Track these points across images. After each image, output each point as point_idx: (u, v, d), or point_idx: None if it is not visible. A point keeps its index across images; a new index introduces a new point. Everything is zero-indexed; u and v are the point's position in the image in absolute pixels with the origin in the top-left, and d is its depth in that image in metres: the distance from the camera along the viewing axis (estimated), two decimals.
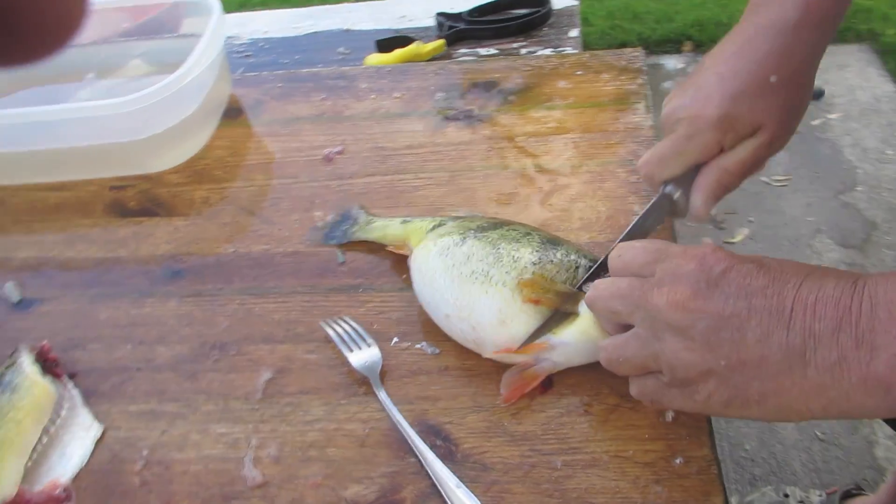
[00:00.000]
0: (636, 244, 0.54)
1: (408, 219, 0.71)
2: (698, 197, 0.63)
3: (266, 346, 0.66)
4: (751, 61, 0.61)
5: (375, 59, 1.10)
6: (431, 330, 0.64)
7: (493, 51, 1.14)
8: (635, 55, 0.92)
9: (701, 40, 2.70)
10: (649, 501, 0.52)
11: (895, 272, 0.43)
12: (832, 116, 2.33)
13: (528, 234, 0.63)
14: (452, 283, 0.61)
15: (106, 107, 0.80)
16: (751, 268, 0.47)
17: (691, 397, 0.48)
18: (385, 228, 0.72)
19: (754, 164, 0.63)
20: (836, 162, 2.16)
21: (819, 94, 2.37)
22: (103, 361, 0.68)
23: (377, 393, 0.60)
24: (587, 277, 0.60)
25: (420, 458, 0.56)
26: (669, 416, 0.57)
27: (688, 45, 2.71)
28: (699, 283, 0.47)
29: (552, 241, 0.62)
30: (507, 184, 0.77)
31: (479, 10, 1.23)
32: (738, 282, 0.46)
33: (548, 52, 1.10)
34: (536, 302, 0.58)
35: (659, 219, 0.65)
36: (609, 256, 0.56)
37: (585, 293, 0.57)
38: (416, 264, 0.65)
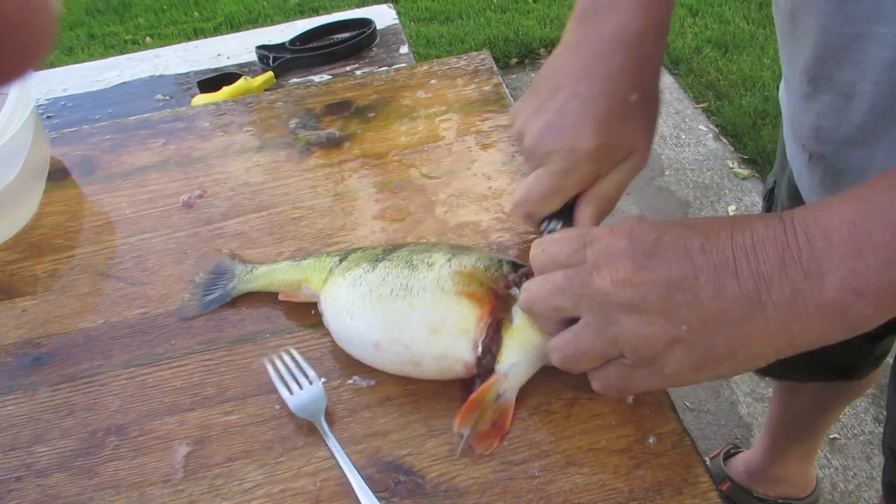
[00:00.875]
0: (555, 236, 0.52)
1: (299, 259, 0.65)
2: None
3: (173, 418, 0.57)
4: (606, 80, 0.58)
5: (204, 99, 1.03)
6: (359, 362, 0.59)
7: (326, 77, 1.10)
8: (482, 58, 0.92)
9: (495, 57, 2.81)
10: (636, 487, 0.50)
11: (814, 203, 0.44)
12: None
13: (437, 245, 0.60)
14: (374, 309, 0.56)
15: None
16: (680, 230, 0.46)
17: (661, 372, 0.46)
18: (272, 275, 0.65)
19: (626, 185, 0.62)
20: None
21: None
22: None
23: (325, 438, 0.54)
24: (514, 282, 0.56)
25: (386, 500, 0.50)
26: (630, 398, 0.55)
27: None
28: (637, 256, 0.45)
29: (461, 248, 0.60)
30: (395, 199, 0.73)
31: (299, 39, 1.19)
32: (674, 245, 0.45)
33: (383, 69, 1.08)
34: (470, 296, 0.55)
35: None
36: (531, 254, 0.53)
37: (515, 298, 0.54)
38: (328, 303, 0.59)
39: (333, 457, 0.53)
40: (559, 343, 0.50)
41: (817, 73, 0.61)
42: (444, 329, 0.54)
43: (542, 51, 2.86)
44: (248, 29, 3.23)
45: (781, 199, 0.94)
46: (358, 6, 3.24)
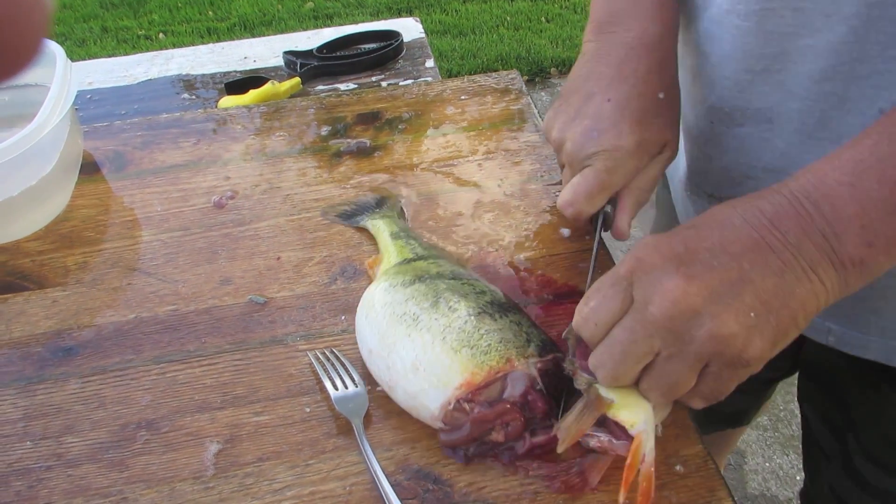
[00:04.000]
0: (591, 303, 0.50)
1: (397, 237, 0.68)
2: (624, 220, 0.64)
3: (204, 416, 0.58)
4: (636, 82, 0.62)
5: (231, 101, 1.04)
6: None
7: (352, 85, 1.11)
8: (512, 77, 0.94)
9: None
10: None
11: (805, 171, 0.48)
12: None
13: (483, 292, 0.59)
14: (383, 320, 0.58)
15: None
16: (696, 232, 0.48)
17: (747, 364, 0.47)
18: (379, 232, 0.70)
19: (660, 176, 0.65)
20: None
21: None
22: None
23: (359, 440, 0.55)
24: (573, 372, 0.53)
25: None
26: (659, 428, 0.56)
27: None
28: (679, 269, 0.46)
29: (503, 306, 0.58)
30: (424, 211, 0.75)
31: (326, 47, 1.20)
32: (703, 245, 0.47)
33: (408, 83, 1.09)
34: (473, 364, 0.53)
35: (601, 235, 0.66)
36: (585, 334, 0.51)
37: (585, 387, 0.52)
38: (365, 294, 0.62)
39: (363, 462, 0.54)
40: (653, 385, 0.49)
41: (733, 104, 0.63)
42: (424, 372, 0.54)
43: (552, 70, 2.89)
44: (261, 30, 3.24)
45: None
46: (373, 16, 3.26)
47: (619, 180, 0.62)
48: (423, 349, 0.55)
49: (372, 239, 0.71)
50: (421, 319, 0.56)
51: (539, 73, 2.88)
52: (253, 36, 3.31)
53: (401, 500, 0.51)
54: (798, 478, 1.62)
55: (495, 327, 0.55)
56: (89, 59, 1.30)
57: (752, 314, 0.46)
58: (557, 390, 0.54)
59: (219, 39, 3.27)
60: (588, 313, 0.50)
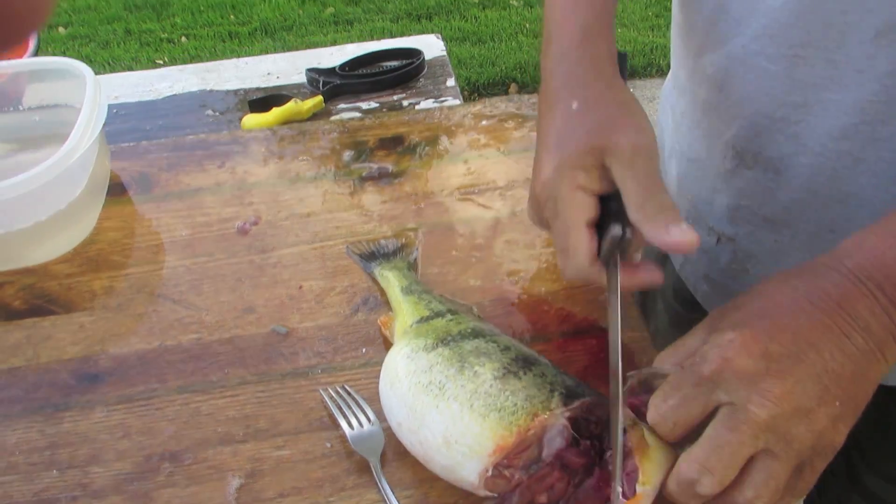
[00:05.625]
0: (668, 399, 0.48)
1: (409, 292, 0.66)
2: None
3: (227, 449, 0.59)
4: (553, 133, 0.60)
5: (254, 119, 1.05)
6: None
7: (373, 104, 1.12)
8: (533, 102, 0.94)
9: (524, 81, 2.83)
10: None
11: (857, 244, 0.48)
12: None
13: (507, 348, 0.58)
14: (408, 392, 0.56)
15: None
16: (768, 324, 0.46)
17: (834, 452, 0.47)
18: (388, 287, 0.69)
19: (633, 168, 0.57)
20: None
21: None
22: (24, 495, 0.57)
23: (378, 479, 0.55)
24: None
25: None
26: None
27: (513, 87, 2.84)
28: (770, 368, 0.45)
29: (527, 359, 0.57)
30: (446, 240, 0.75)
31: (349, 65, 1.21)
32: (787, 339, 0.46)
33: (430, 102, 1.10)
34: (502, 426, 0.52)
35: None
36: (654, 425, 0.49)
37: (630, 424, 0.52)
38: (388, 358, 0.60)
39: (382, 501, 0.55)
40: (762, 493, 0.46)
41: (745, 146, 0.61)
42: (457, 445, 0.53)
43: None
44: (282, 35, 3.25)
45: (654, 296, 0.90)
46: (392, 22, 3.27)
47: (566, 224, 0.56)
48: (451, 420, 0.53)
49: None
50: (447, 388, 0.55)
51: None
52: (274, 41, 3.34)
53: None
54: None
55: (520, 385, 0.54)
56: (112, 60, 1.32)
57: (837, 403, 0.45)
58: (594, 432, 0.53)
59: (240, 43, 3.29)
60: (667, 412, 0.48)
